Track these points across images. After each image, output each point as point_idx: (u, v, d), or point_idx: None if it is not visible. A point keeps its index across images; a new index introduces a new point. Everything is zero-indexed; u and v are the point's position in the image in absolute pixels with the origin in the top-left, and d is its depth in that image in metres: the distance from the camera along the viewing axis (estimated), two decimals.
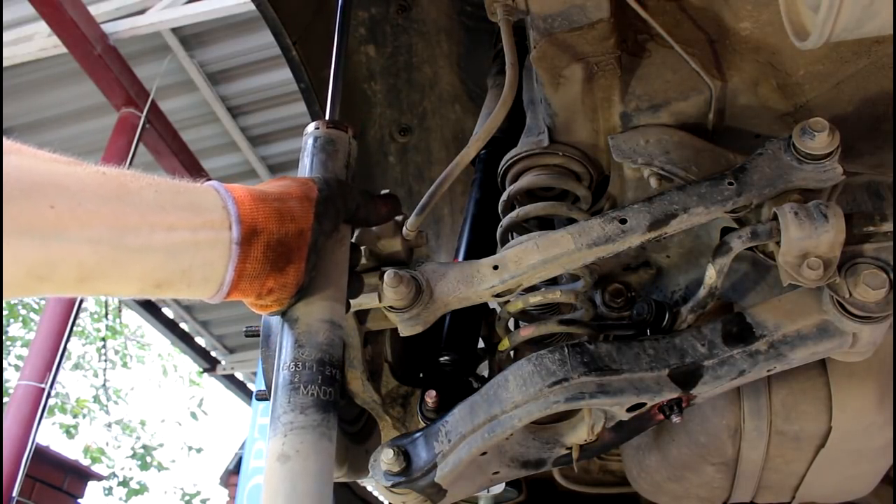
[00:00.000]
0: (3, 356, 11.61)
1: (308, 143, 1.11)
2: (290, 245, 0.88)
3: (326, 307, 0.93)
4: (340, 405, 1.42)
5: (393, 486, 1.17)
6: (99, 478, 8.79)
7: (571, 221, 1.29)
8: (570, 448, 1.24)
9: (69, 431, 12.37)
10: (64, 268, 0.74)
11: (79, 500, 7.57)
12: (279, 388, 0.88)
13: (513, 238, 1.33)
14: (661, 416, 1.16)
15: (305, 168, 1.08)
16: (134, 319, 12.97)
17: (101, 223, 0.75)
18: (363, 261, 1.13)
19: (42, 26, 5.21)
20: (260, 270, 0.86)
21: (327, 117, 1.21)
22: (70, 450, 12.29)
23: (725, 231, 1.21)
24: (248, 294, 0.88)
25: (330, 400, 0.87)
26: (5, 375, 10.99)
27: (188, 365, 12.90)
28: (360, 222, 1.05)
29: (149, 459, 13.23)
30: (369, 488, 4.60)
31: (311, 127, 1.13)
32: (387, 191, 1.17)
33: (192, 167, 6.19)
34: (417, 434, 1.20)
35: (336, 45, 1.26)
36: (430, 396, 1.24)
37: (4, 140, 0.75)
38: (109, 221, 0.76)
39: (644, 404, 1.12)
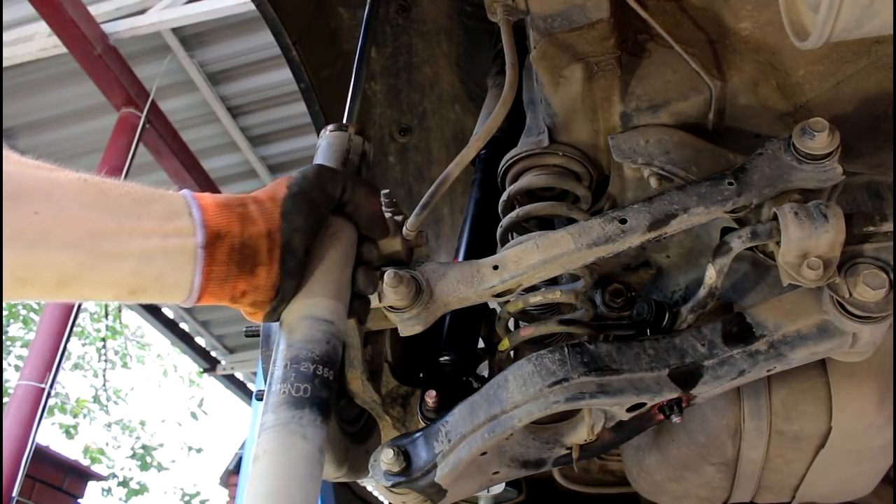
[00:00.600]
0: (3, 356, 11.61)
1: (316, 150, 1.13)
2: (256, 247, 0.89)
3: (308, 304, 0.92)
4: (339, 404, 1.42)
5: (393, 486, 1.17)
6: (99, 478, 8.78)
7: (571, 221, 1.29)
8: (570, 448, 1.24)
9: (69, 431, 12.37)
10: (45, 272, 0.78)
11: (79, 500, 7.57)
12: (266, 391, 0.88)
13: (513, 238, 1.33)
14: (661, 416, 1.16)
15: None
16: (134, 319, 12.98)
17: (82, 229, 0.79)
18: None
19: (42, 26, 5.21)
20: (227, 273, 0.88)
21: (344, 119, 1.22)
22: (70, 450, 12.29)
23: (725, 231, 1.21)
24: (220, 297, 0.89)
25: (305, 396, 0.85)
26: (5, 375, 10.99)
27: (188, 365, 12.91)
28: (349, 213, 1.01)
29: (149, 459, 13.22)
30: (369, 488, 4.60)
31: (320, 135, 1.15)
32: (386, 191, 1.17)
33: (192, 167, 6.19)
34: (417, 434, 1.20)
35: (358, 54, 1.25)
36: (430, 396, 1.24)
37: None
38: (89, 227, 0.80)
39: (644, 404, 1.12)
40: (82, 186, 0.82)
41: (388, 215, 1.18)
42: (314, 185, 0.96)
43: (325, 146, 1.10)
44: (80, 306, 5.28)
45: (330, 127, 1.12)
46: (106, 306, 11.61)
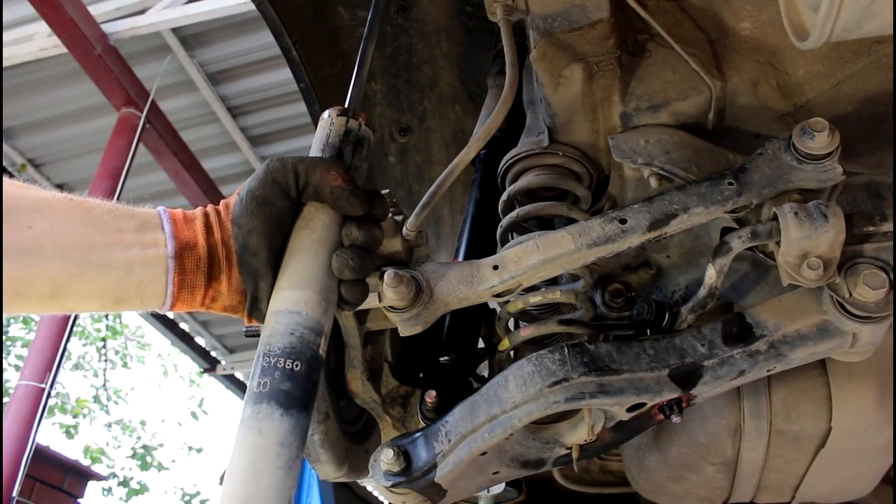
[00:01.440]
0: (3, 356, 11.62)
1: None
2: (216, 256, 0.94)
3: (276, 299, 0.93)
4: (339, 404, 1.42)
5: (393, 486, 1.17)
6: (99, 478, 8.78)
7: (571, 221, 1.28)
8: (570, 448, 1.24)
9: (69, 431, 12.37)
10: (39, 283, 0.84)
11: (79, 500, 7.57)
12: None
13: (513, 238, 1.33)
14: (661, 416, 1.16)
15: None
16: (134, 319, 12.99)
17: (71, 242, 0.86)
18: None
19: (42, 26, 5.21)
20: (195, 282, 0.93)
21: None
22: (70, 450, 12.28)
23: (725, 231, 1.21)
24: (192, 303, 0.94)
25: (264, 391, 0.85)
26: (5, 375, 10.99)
27: (188, 365, 12.90)
28: (315, 196, 0.98)
29: (149, 459, 13.22)
30: (369, 488, 4.60)
31: None
32: (386, 191, 1.17)
33: (192, 167, 6.19)
34: (417, 434, 1.20)
35: (365, 38, 1.22)
36: (430, 396, 1.24)
37: None
38: (78, 241, 0.87)
39: (644, 404, 1.12)
40: (69, 204, 0.89)
41: (388, 215, 1.18)
42: (261, 181, 0.97)
43: (313, 141, 1.09)
44: None
45: (324, 115, 1.12)
46: None
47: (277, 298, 0.93)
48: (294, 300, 0.92)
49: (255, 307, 0.95)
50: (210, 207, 0.99)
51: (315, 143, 1.08)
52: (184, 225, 0.94)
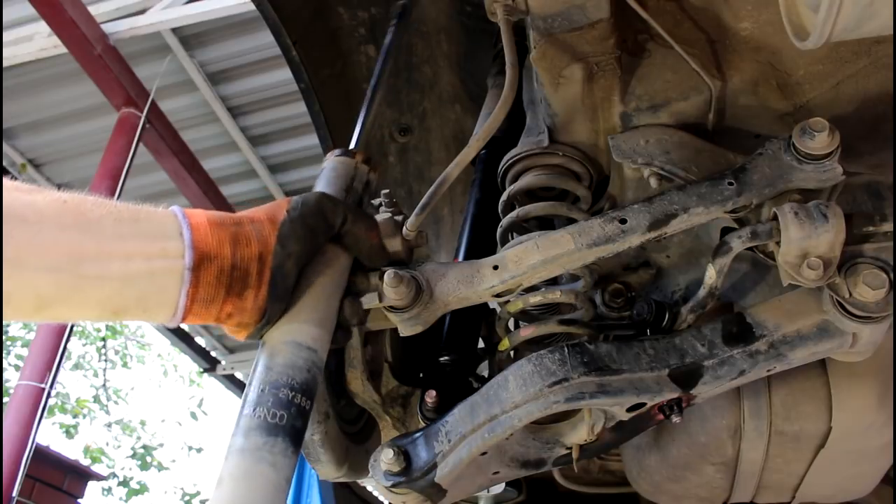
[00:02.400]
0: (3, 356, 11.61)
1: (319, 173, 1.11)
2: (247, 269, 0.88)
3: (293, 329, 0.90)
4: (339, 404, 1.42)
5: (393, 486, 1.16)
6: (99, 478, 8.78)
7: (571, 221, 1.28)
8: (570, 448, 1.24)
9: (69, 431, 12.37)
10: (20, 296, 0.78)
11: (79, 500, 7.57)
12: (238, 412, 0.86)
13: (513, 238, 1.33)
14: (661, 416, 1.16)
15: None
16: None
17: (60, 252, 0.79)
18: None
19: (42, 26, 5.21)
20: (214, 295, 0.87)
21: (351, 145, 1.19)
22: (70, 450, 12.28)
23: (725, 231, 1.21)
24: (204, 318, 0.89)
25: (280, 423, 0.82)
26: (5, 375, 10.99)
27: (188, 365, 12.90)
28: (347, 244, 1.01)
29: (149, 459, 13.22)
30: (369, 488, 4.60)
31: (326, 158, 1.13)
32: (387, 191, 1.17)
33: (192, 167, 6.18)
34: (417, 434, 1.20)
35: (374, 80, 1.21)
36: (430, 396, 1.24)
37: None
38: (67, 250, 0.79)
39: (644, 404, 1.12)
40: (61, 208, 0.82)
41: (388, 215, 1.18)
42: (314, 211, 0.95)
43: (328, 171, 1.07)
44: None
45: (336, 151, 1.10)
46: None
47: (296, 329, 0.91)
48: (313, 336, 0.90)
49: (263, 329, 0.92)
50: (248, 216, 0.93)
51: (334, 181, 1.06)
52: (208, 231, 0.88)
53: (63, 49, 5.20)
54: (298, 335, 0.90)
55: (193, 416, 13.72)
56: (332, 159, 1.10)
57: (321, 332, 0.92)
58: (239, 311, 0.89)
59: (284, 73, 5.41)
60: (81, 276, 0.80)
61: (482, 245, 1.54)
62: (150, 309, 0.86)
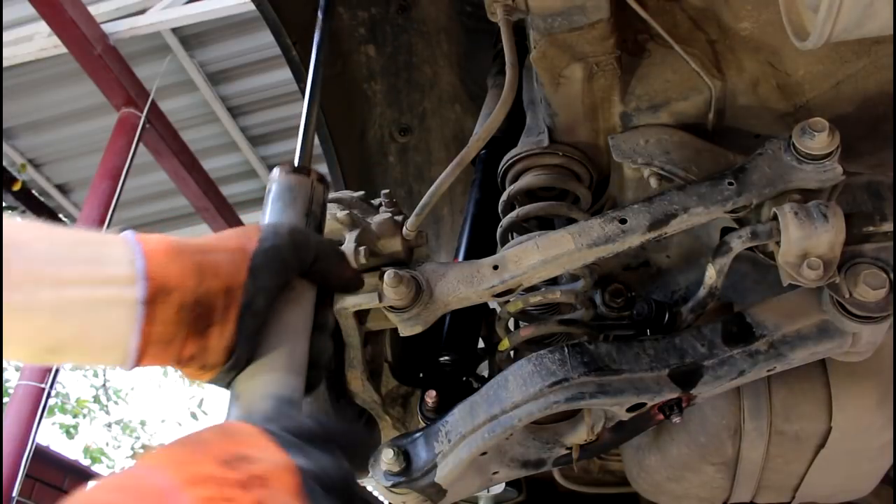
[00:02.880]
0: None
1: (268, 189, 0.98)
2: (213, 304, 0.76)
3: (273, 380, 0.79)
4: (339, 404, 1.42)
5: (393, 486, 1.17)
6: (99, 478, 8.78)
7: (571, 221, 1.28)
8: (570, 448, 1.24)
9: (69, 431, 12.37)
10: None
11: None
12: None
13: (513, 238, 1.33)
14: (661, 416, 1.16)
15: (263, 218, 0.95)
16: None
17: None
18: (362, 261, 1.12)
19: (42, 26, 5.21)
20: (173, 334, 0.74)
21: (296, 161, 1.03)
22: (70, 450, 12.29)
23: (725, 231, 1.21)
24: (163, 360, 0.76)
25: None
26: (5, 375, 10.99)
27: None
28: (318, 278, 0.89)
29: None
30: (369, 488, 4.60)
31: (273, 172, 1.00)
32: (387, 191, 1.17)
33: (192, 167, 6.19)
34: (417, 434, 1.20)
35: (310, 84, 1.09)
36: (430, 396, 1.24)
37: None
38: None
39: (644, 404, 1.12)
40: None
41: (387, 215, 1.18)
42: (288, 244, 0.84)
43: (284, 191, 0.95)
44: None
45: (286, 167, 0.98)
46: None
47: (274, 380, 0.80)
48: (294, 387, 0.81)
49: (232, 372, 0.80)
50: (212, 243, 0.81)
51: (292, 204, 0.95)
52: (165, 259, 0.75)
53: (63, 49, 5.21)
54: (278, 387, 0.79)
55: (193, 416, 13.71)
56: (286, 176, 0.97)
57: (298, 380, 0.82)
58: (202, 353, 0.77)
59: (284, 73, 5.41)
60: (6, 307, 0.66)
61: (482, 245, 1.54)
62: (94, 349, 0.72)
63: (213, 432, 0.66)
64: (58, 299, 0.69)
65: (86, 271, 0.71)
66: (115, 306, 0.71)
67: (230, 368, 0.79)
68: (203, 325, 0.76)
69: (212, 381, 0.81)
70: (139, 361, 0.74)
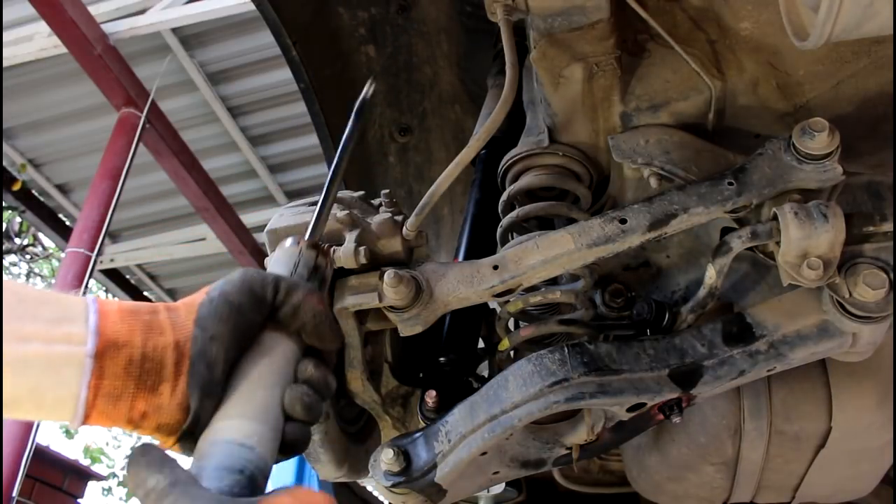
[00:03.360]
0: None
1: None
2: (161, 360, 0.76)
3: (223, 427, 0.76)
4: (339, 404, 1.42)
5: (393, 486, 1.17)
6: (99, 478, 8.79)
7: (571, 221, 1.28)
8: (570, 448, 1.24)
9: (69, 431, 12.37)
10: None
11: (79, 500, 7.57)
12: None
13: (513, 238, 1.33)
14: (661, 416, 1.16)
15: None
16: None
17: None
18: (362, 261, 1.12)
19: (42, 26, 5.21)
20: (122, 389, 0.74)
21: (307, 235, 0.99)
22: (70, 450, 12.29)
23: (725, 231, 1.21)
24: (114, 418, 0.76)
25: None
26: None
27: None
28: (287, 321, 0.84)
29: None
30: (369, 488, 4.60)
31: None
32: (387, 191, 1.17)
33: (192, 167, 6.18)
34: (417, 434, 1.20)
35: (333, 169, 1.05)
36: (430, 396, 1.24)
37: None
38: None
39: (644, 404, 1.12)
40: None
41: (387, 215, 1.18)
42: (237, 287, 0.81)
43: (272, 262, 0.94)
44: None
45: (287, 241, 0.97)
46: None
47: (226, 427, 0.76)
48: (248, 432, 0.76)
49: (194, 431, 0.77)
50: (165, 305, 0.81)
51: (276, 268, 0.93)
52: (117, 318, 0.76)
53: (63, 49, 5.21)
54: (229, 432, 0.76)
55: None
56: (278, 249, 0.96)
57: (259, 426, 0.77)
58: (155, 410, 0.76)
59: (284, 73, 5.41)
60: None
61: (482, 245, 1.54)
62: (46, 404, 0.73)
63: None
64: (18, 354, 0.71)
65: (46, 329, 0.73)
66: (69, 362, 0.72)
67: (193, 425, 0.77)
68: (153, 380, 0.76)
69: (178, 445, 0.79)
70: (88, 416, 0.74)
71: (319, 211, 0.99)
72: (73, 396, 0.73)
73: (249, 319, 0.81)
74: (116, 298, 9.70)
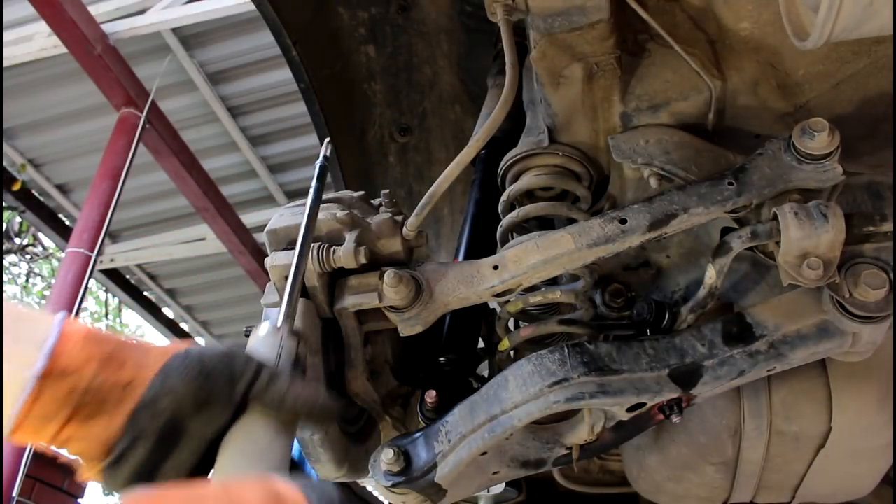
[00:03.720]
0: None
1: None
2: (105, 396, 0.77)
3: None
4: (341, 404, 1.42)
5: (393, 486, 1.17)
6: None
7: (571, 221, 1.29)
8: (570, 448, 1.24)
9: None
10: None
11: (79, 500, 7.56)
12: None
13: (513, 238, 1.33)
14: (661, 416, 1.16)
15: None
16: (134, 319, 12.97)
17: None
18: (362, 260, 1.12)
19: (42, 26, 5.21)
20: (53, 413, 0.75)
21: (280, 317, 0.94)
22: None
23: (725, 231, 1.21)
24: (37, 436, 0.77)
25: None
26: None
27: None
28: (271, 406, 0.81)
29: None
30: (369, 488, 4.60)
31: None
32: (387, 191, 1.17)
33: (192, 167, 6.18)
34: (417, 434, 1.20)
35: (301, 240, 1.01)
36: (430, 396, 1.24)
37: None
38: None
39: (644, 404, 1.12)
40: None
41: (387, 215, 1.18)
42: (217, 355, 0.81)
43: (254, 346, 0.91)
44: (80, 306, 5.28)
45: (266, 324, 0.93)
46: (106, 305, 11.63)
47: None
48: None
49: (113, 471, 0.77)
50: (140, 342, 0.82)
51: (258, 354, 0.89)
52: (80, 344, 0.77)
53: (63, 49, 5.20)
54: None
55: None
56: (258, 334, 0.93)
57: None
58: (81, 440, 0.77)
59: (284, 73, 5.40)
60: None
61: (482, 245, 1.54)
62: None
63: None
64: None
65: (10, 347, 0.75)
66: (15, 381, 0.75)
67: (112, 464, 0.77)
68: (90, 411, 0.77)
69: (100, 478, 0.79)
70: (14, 431, 0.76)
71: (290, 293, 0.95)
72: (8, 411, 0.75)
73: (216, 389, 0.79)
74: (116, 298, 9.65)
